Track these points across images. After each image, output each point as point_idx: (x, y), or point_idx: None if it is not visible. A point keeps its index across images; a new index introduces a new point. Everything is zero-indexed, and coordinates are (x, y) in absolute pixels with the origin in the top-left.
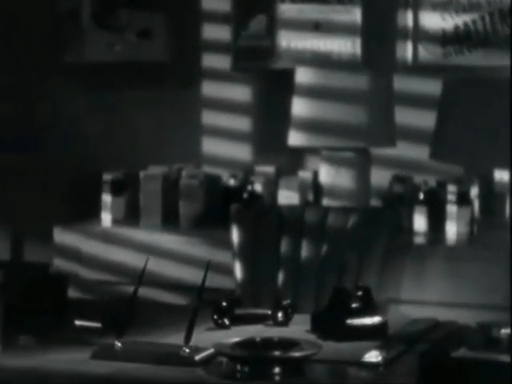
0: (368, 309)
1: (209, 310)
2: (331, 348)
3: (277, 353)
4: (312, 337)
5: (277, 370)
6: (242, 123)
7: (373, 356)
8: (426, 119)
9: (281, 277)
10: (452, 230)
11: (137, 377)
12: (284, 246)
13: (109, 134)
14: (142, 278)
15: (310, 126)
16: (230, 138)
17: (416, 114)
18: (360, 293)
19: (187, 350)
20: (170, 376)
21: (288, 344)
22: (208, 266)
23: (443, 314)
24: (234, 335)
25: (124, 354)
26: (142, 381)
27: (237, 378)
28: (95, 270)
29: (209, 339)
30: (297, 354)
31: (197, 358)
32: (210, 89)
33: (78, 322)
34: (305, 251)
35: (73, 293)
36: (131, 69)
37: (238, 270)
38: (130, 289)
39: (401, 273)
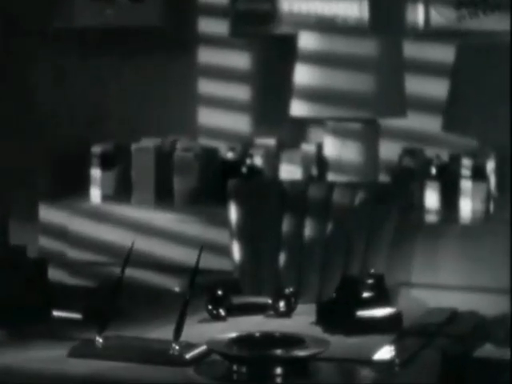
0: (380, 299)
1: (202, 299)
2: (339, 344)
3: (278, 351)
4: (318, 330)
5: (278, 370)
6: (241, 92)
7: (386, 353)
8: (438, 88)
9: (282, 258)
10: (466, 208)
11: (118, 378)
12: (286, 224)
13: (98, 104)
14: (126, 265)
15: (314, 95)
16: (228, 108)
17: (428, 82)
18: (371, 280)
19: (177, 347)
20: (157, 377)
21: (291, 340)
22: (201, 251)
23: (459, 300)
24: (230, 328)
25: (105, 352)
26: (124, 383)
27: (233, 380)
28: (83, 250)
29: (202, 333)
30: (301, 354)
31: (187, 356)
32: (207, 56)
33: (56, 313)
34: (308, 230)
35: (58, 275)
36: (123, 34)
37: (236, 251)
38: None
39: (411, 254)
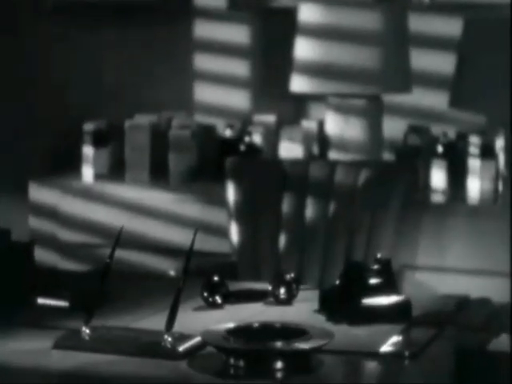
0: (387, 286)
1: (198, 285)
2: (343, 334)
3: (279, 344)
4: (320, 318)
5: (279, 364)
6: (239, 67)
7: (395, 345)
8: (444, 63)
9: (283, 240)
10: (474, 187)
11: (106, 373)
12: (286, 205)
13: (91, 79)
14: (114, 250)
15: (315, 70)
16: (226, 83)
17: (434, 56)
18: (377, 266)
19: (169, 339)
20: (147, 371)
21: (293, 332)
22: (195, 235)
23: (467, 284)
24: (227, 317)
25: (92, 344)
26: (112, 377)
27: (230, 375)
28: (75, 231)
29: (196, 323)
30: (303, 346)
31: (181, 349)
32: (204, 29)
33: (40, 301)
34: (310, 211)
35: (49, 257)
36: (115, 7)
37: (235, 233)
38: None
39: (417, 236)
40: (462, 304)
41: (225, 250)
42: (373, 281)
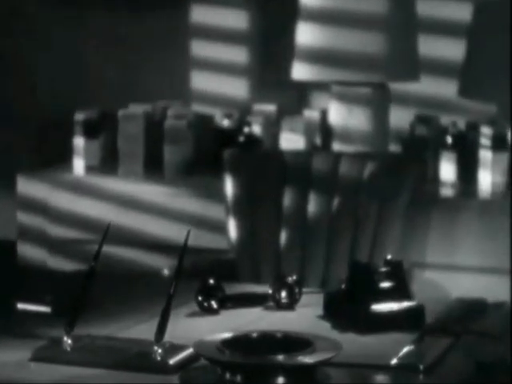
0: (398, 290)
1: (192, 287)
2: (351, 344)
3: (280, 357)
4: (325, 326)
5: (280, 380)
6: (238, 54)
7: (408, 356)
8: (454, 49)
9: (283, 237)
10: (486, 180)
11: None
12: (287, 199)
13: (81, 66)
14: (100, 251)
15: (318, 56)
16: (224, 71)
17: (443, 43)
18: (388, 268)
19: (159, 351)
20: None
21: (295, 343)
22: (188, 236)
23: (479, 283)
24: (223, 324)
25: (74, 355)
26: None
27: None
28: (65, 227)
29: (190, 331)
30: (308, 360)
31: (171, 361)
32: (201, 14)
33: (21, 306)
34: (312, 206)
35: (38, 254)
36: None
37: (233, 228)
38: (106, 249)
39: (426, 232)
40: (480, 309)
41: (222, 247)
42: (382, 284)
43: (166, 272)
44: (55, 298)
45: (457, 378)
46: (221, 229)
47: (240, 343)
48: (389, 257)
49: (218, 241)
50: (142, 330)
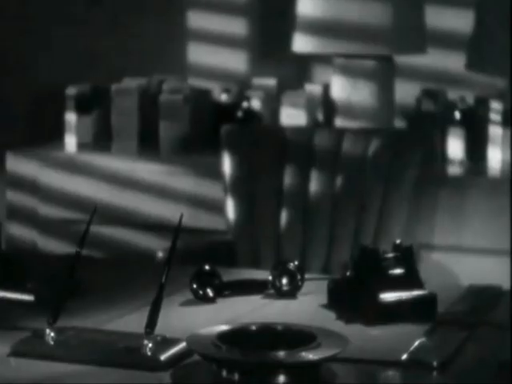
0: (409, 277)
1: (187, 272)
2: (358, 337)
3: (281, 353)
4: (330, 316)
5: (281, 378)
6: (237, 26)
7: (421, 351)
8: (462, 21)
9: (284, 217)
10: (495, 158)
11: None
12: (288, 178)
13: (74, 39)
14: (85, 236)
15: (320, 28)
16: (222, 44)
17: (451, 15)
18: (396, 254)
19: (149, 345)
20: None
21: (298, 336)
22: (180, 221)
23: (487, 265)
24: (219, 314)
25: (57, 350)
26: None
27: None
28: (56, 206)
29: (183, 322)
30: (311, 357)
31: (163, 357)
32: None
33: (1, 294)
34: (314, 185)
35: (28, 234)
36: None
37: (231, 208)
38: (100, 229)
39: (433, 211)
40: (494, 297)
41: (220, 228)
42: (392, 271)
43: (160, 255)
44: (39, 285)
45: (475, 377)
46: (218, 209)
47: (238, 337)
48: (398, 241)
49: (216, 221)
50: (131, 321)
